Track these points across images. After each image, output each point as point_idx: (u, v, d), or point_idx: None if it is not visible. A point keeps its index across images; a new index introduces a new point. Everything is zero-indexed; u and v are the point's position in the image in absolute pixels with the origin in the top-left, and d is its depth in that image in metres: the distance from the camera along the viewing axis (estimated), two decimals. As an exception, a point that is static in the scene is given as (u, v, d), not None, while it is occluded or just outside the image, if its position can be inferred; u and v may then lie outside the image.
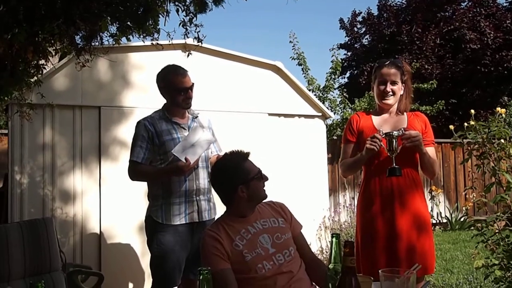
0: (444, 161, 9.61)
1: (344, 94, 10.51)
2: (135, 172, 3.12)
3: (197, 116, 3.29)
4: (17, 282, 2.41)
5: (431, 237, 2.76)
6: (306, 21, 39.73)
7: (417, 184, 2.74)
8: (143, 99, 4.72)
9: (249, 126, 5.38)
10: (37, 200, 4.45)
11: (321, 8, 39.62)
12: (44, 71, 3.86)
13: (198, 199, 3.11)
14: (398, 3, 16.56)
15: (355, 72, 16.87)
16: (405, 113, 2.85)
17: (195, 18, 3.23)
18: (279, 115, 5.70)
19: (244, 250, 2.18)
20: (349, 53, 17.39)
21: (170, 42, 3.38)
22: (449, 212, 9.39)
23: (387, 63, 2.81)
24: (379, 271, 1.68)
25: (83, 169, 4.62)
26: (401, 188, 2.67)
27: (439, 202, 9.40)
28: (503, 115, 2.91)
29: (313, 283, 2.28)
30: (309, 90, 9.38)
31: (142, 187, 3.40)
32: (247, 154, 2.36)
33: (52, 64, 4.28)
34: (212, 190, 2.65)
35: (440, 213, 9.36)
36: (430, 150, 2.75)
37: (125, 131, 4.56)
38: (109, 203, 4.63)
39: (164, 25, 3.44)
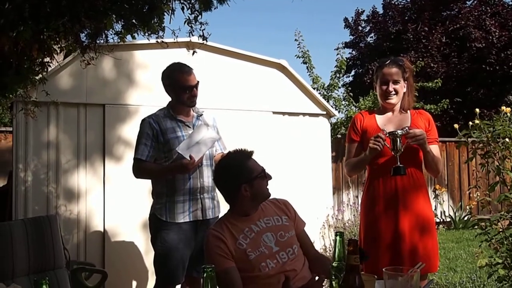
0: (448, 160, 9.59)
1: (349, 93, 10.48)
2: (140, 169, 3.13)
3: (202, 114, 3.29)
4: (21, 279, 2.42)
5: (435, 237, 2.75)
6: (310, 21, 39.71)
7: (421, 184, 2.73)
8: (148, 97, 4.72)
9: (254, 124, 5.38)
10: (41, 197, 4.46)
11: (326, 7, 39.57)
12: (49, 69, 3.88)
13: (202, 197, 3.12)
14: (403, 1, 16.51)
15: (360, 70, 16.84)
16: (408, 111, 2.84)
17: (200, 16, 3.23)
18: (283, 113, 5.69)
19: (247, 249, 2.18)
20: (354, 52, 17.35)
21: (175, 40, 3.38)
22: (453, 211, 9.38)
23: (387, 62, 2.79)
24: (383, 269, 1.68)
25: (87, 167, 4.63)
26: (405, 188, 2.67)
27: (443, 201, 9.38)
28: (508, 114, 2.90)
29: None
30: (314, 88, 9.36)
31: (146, 185, 3.41)
32: (251, 152, 2.36)
33: (57, 62, 4.30)
34: (216, 188, 2.65)
35: (444, 212, 9.35)
36: (434, 148, 2.74)
37: (130, 129, 4.56)
38: (113, 200, 4.64)
39: (169, 23, 3.46)
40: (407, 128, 2.61)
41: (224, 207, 2.64)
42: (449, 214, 9.36)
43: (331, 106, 6.96)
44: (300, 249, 2.30)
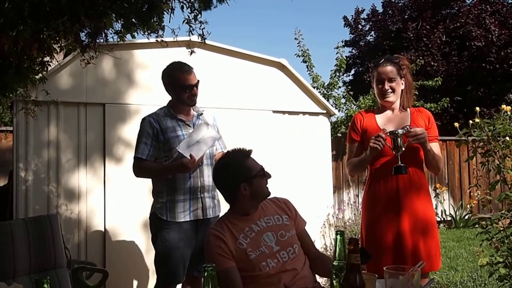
0: (448, 158, 9.58)
1: (349, 91, 10.48)
2: (140, 168, 3.13)
3: (202, 113, 3.29)
4: (22, 278, 2.42)
5: (436, 236, 2.74)
6: (310, 19, 39.70)
7: (422, 184, 2.73)
8: (147, 96, 4.72)
9: (254, 123, 5.37)
10: (41, 197, 4.46)
11: (325, 6, 39.55)
12: (49, 68, 3.87)
13: (202, 196, 3.12)
14: (403, 0, 16.50)
15: (360, 69, 16.85)
16: (408, 109, 2.83)
17: (199, 15, 3.23)
18: (283, 112, 5.68)
19: (248, 249, 2.18)
20: (354, 50, 17.36)
21: (175, 39, 3.37)
22: (454, 209, 9.38)
23: (381, 61, 2.79)
24: (384, 268, 1.68)
25: (88, 166, 4.62)
26: (406, 187, 2.66)
27: (444, 199, 9.38)
28: (508, 113, 2.89)
29: (317, 281, 2.28)
30: (314, 87, 9.36)
31: (146, 184, 3.41)
32: (250, 151, 2.35)
33: (57, 61, 4.29)
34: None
35: (445, 210, 9.35)
36: (435, 146, 2.73)
37: (130, 129, 4.56)
38: (114, 199, 4.63)
39: (169, 22, 3.45)
40: (407, 127, 2.61)
41: (224, 206, 2.63)
42: (450, 213, 9.36)
43: (331, 105, 6.95)
44: (300, 248, 2.29)
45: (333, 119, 8.83)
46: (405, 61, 2.85)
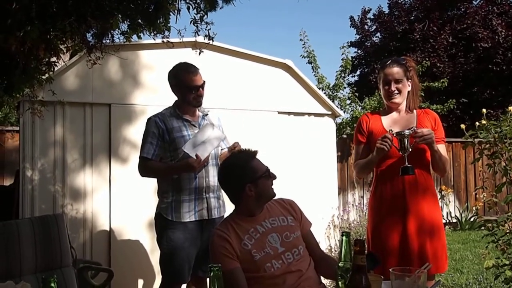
0: (454, 160, 9.55)
1: (354, 92, 10.45)
2: (145, 168, 3.13)
3: (208, 114, 3.30)
4: (28, 277, 2.43)
5: (443, 238, 2.73)
6: (316, 20, 39.66)
7: (428, 186, 2.71)
8: (153, 97, 4.73)
9: (259, 124, 5.37)
10: (48, 196, 4.48)
11: (331, 6, 39.51)
12: (56, 69, 3.89)
13: (207, 197, 3.12)
14: (409, 1, 16.45)
15: (366, 70, 16.81)
16: (414, 111, 2.83)
17: (205, 16, 3.23)
18: (288, 113, 5.68)
19: (252, 250, 2.18)
20: (359, 51, 17.32)
21: (181, 40, 3.38)
22: (459, 212, 9.34)
23: (388, 62, 2.78)
24: (390, 269, 1.67)
25: (94, 166, 4.64)
26: (412, 189, 2.65)
27: (449, 201, 9.34)
28: (515, 115, 2.88)
29: (322, 282, 2.28)
30: (319, 88, 9.34)
31: (152, 184, 3.41)
32: (255, 152, 2.36)
33: (64, 62, 4.31)
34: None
35: (450, 212, 9.32)
36: (441, 148, 2.72)
37: (136, 129, 4.57)
38: (119, 199, 4.65)
39: (175, 23, 3.46)
40: (414, 128, 2.60)
41: (229, 207, 2.64)
42: (455, 215, 9.32)
43: (337, 106, 6.95)
44: (305, 249, 2.29)
45: (339, 120, 8.80)
46: (411, 63, 2.84)
